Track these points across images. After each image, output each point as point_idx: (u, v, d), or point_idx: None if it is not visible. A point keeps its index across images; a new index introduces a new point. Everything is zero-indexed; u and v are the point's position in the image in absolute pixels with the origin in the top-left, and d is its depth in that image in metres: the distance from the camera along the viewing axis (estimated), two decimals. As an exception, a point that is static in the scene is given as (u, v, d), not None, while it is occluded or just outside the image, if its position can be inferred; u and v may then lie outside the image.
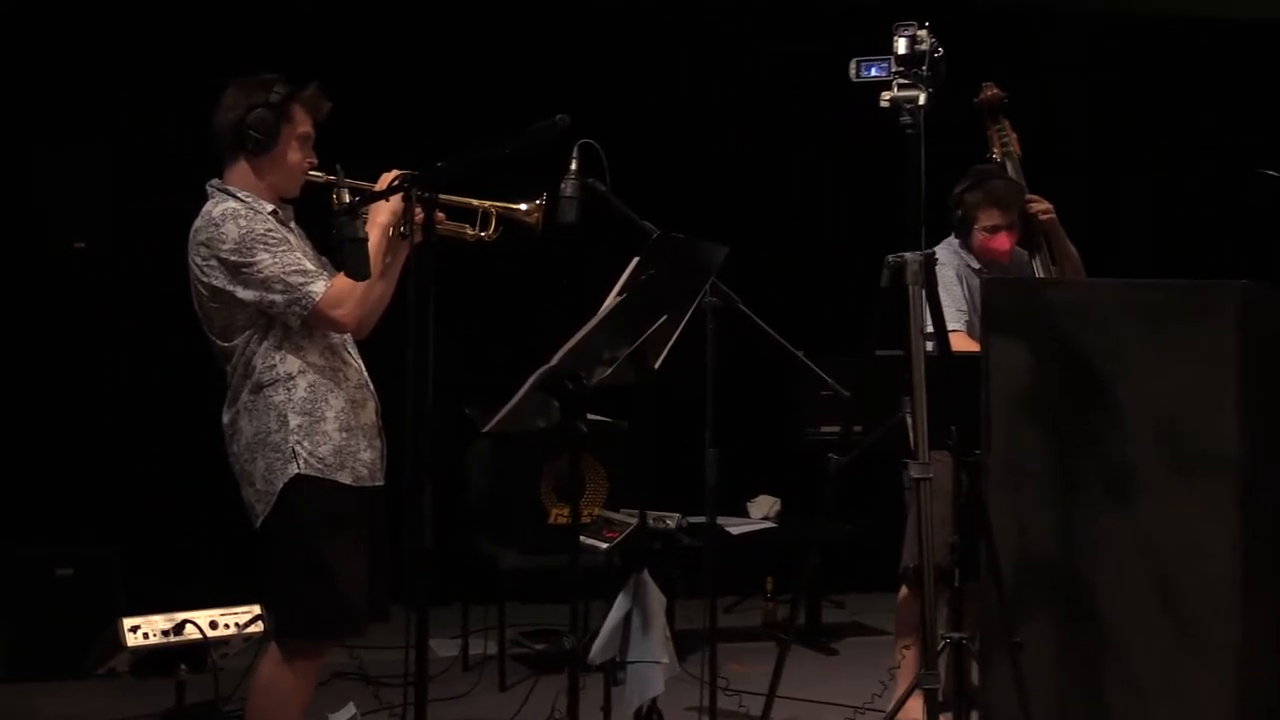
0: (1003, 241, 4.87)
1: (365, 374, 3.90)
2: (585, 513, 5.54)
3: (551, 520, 5.61)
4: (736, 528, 6.15)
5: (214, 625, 4.67)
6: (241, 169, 3.79)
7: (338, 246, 3.23)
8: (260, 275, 3.66)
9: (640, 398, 3.60)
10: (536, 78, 6.57)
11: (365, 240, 3.27)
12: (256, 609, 4.68)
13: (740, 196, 6.96)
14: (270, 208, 3.79)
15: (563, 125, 3.19)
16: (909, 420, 3.55)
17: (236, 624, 4.68)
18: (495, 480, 5.64)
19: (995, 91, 5.12)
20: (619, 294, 3.37)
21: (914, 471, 3.50)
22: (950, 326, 3.96)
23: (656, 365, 3.63)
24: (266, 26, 6.32)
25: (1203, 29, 7.45)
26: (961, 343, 4.45)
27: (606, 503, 5.67)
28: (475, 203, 3.79)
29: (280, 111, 3.74)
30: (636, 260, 3.54)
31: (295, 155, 3.80)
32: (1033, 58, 7.09)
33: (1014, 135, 5.18)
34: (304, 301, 3.67)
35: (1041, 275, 4.97)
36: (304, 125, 3.81)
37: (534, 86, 6.44)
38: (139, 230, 5.94)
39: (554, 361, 3.38)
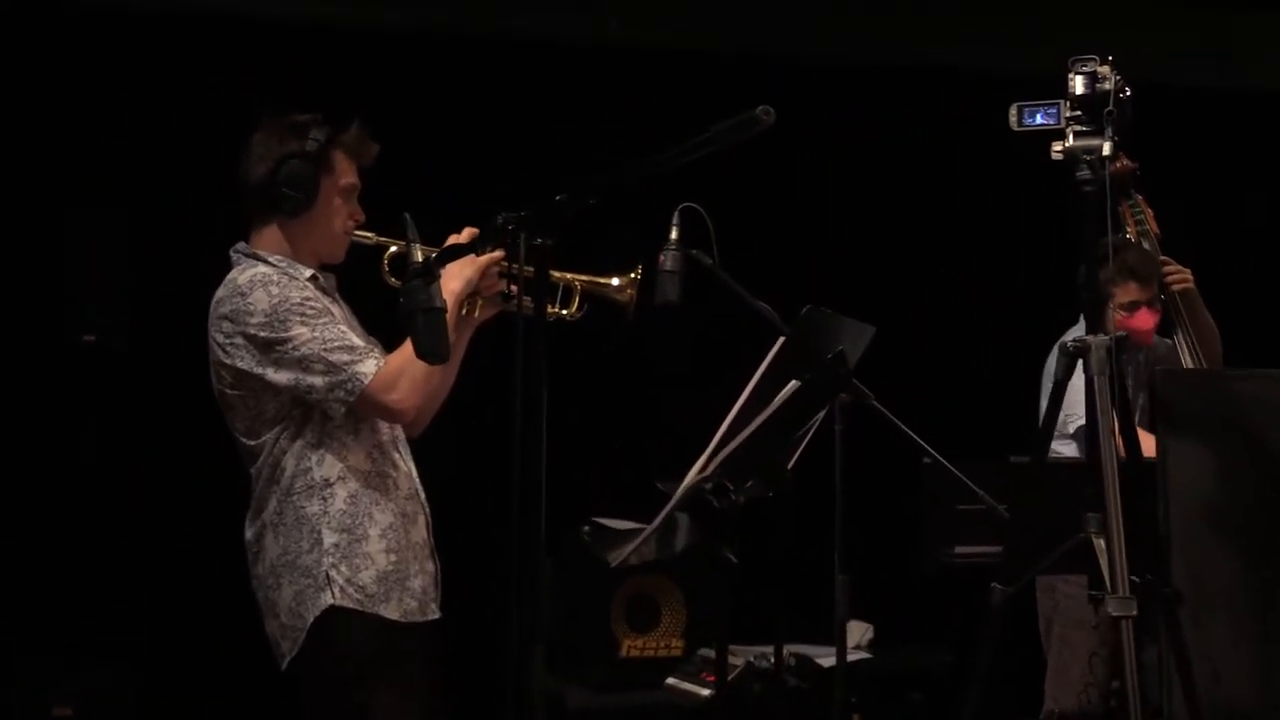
0: (1144, 319, 4.38)
1: (417, 480, 3.26)
2: (661, 644, 4.95)
3: (624, 653, 4.95)
4: (827, 658, 5.45)
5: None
6: (273, 233, 3.19)
7: (406, 319, 2.46)
8: (297, 353, 3.04)
9: (776, 512, 2.90)
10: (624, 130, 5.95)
11: (444, 311, 2.53)
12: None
13: (856, 267, 6.22)
14: (309, 272, 3.19)
15: (766, 120, 2.22)
16: (1096, 542, 2.88)
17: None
18: (559, 604, 4.97)
19: (1126, 163, 4.57)
20: (777, 380, 2.68)
21: (1113, 609, 2.84)
22: None
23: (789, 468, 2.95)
24: (306, 82, 5.69)
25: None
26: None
27: (686, 633, 4.99)
28: (556, 275, 3.20)
29: (318, 162, 3.15)
30: (782, 340, 2.90)
31: (339, 213, 3.21)
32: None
33: (1149, 212, 4.63)
34: (350, 384, 3.05)
35: (1189, 362, 4.45)
36: (347, 176, 3.22)
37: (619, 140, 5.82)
38: (156, 319, 5.33)
39: (707, 471, 2.66)
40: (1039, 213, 5.69)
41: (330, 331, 3.06)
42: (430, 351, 2.46)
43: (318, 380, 3.04)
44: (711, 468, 2.66)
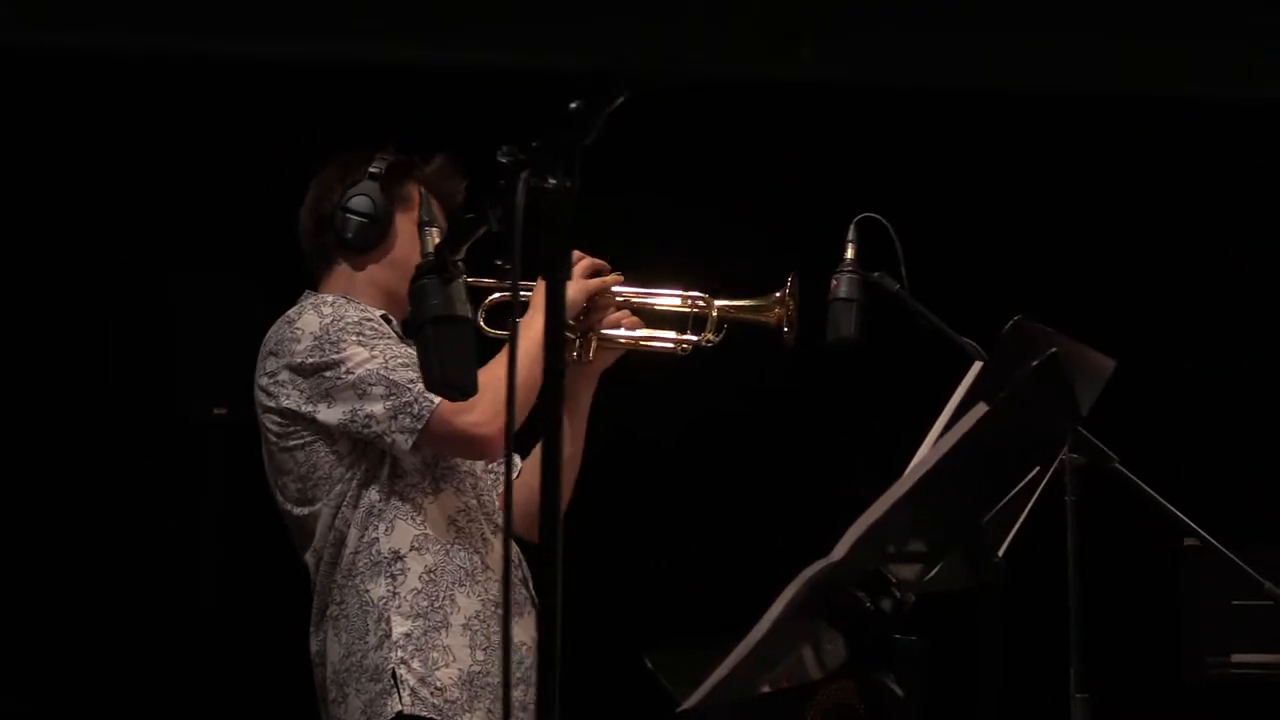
0: None
1: (525, 566, 2.62)
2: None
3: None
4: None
5: None
6: (343, 273, 2.69)
7: (414, 331, 1.77)
8: (351, 377, 2.51)
9: (984, 610, 2.14)
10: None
11: (465, 322, 1.80)
12: None
13: (1089, 293, 5.38)
14: (379, 311, 2.64)
15: None
16: None
17: None
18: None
19: None
20: (962, 416, 1.87)
21: None
22: None
23: (1001, 554, 2.12)
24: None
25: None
26: None
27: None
28: (683, 294, 2.63)
29: (389, 186, 2.63)
30: (980, 366, 2.27)
31: (417, 249, 2.61)
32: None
33: None
34: (417, 407, 2.48)
35: None
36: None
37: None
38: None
39: (838, 555, 1.78)
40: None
41: (392, 350, 2.53)
42: (442, 381, 1.73)
43: (377, 407, 2.50)
44: (844, 549, 1.77)
